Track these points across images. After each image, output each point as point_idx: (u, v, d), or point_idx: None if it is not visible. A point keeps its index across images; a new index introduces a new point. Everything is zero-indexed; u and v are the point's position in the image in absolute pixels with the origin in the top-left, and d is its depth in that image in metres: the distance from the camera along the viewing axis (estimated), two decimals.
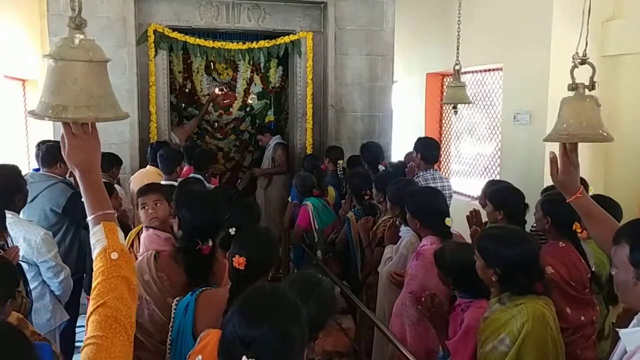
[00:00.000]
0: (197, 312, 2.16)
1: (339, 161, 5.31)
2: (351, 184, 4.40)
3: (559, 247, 2.80)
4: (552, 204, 2.84)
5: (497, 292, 2.30)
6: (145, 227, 2.98)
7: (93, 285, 1.34)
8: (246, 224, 2.49)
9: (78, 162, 1.43)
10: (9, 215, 2.96)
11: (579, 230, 2.81)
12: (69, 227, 3.89)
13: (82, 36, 1.38)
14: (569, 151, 2.03)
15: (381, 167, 4.82)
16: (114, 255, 1.35)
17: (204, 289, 2.26)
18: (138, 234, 3.29)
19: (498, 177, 5.58)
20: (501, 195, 3.29)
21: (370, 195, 4.15)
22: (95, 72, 1.39)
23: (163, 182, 4.25)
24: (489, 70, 6.16)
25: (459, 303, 2.53)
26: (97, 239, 1.39)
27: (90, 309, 1.32)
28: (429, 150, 4.52)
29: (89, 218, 1.42)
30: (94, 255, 1.38)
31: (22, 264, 2.91)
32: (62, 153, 1.42)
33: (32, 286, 3.01)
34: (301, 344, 1.36)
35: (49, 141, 4.04)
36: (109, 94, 1.42)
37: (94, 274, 1.36)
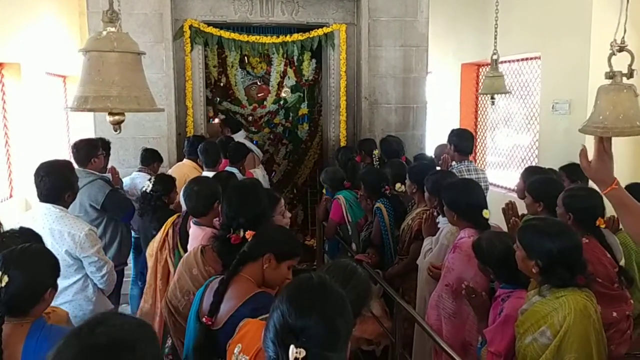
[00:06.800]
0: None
1: (374, 152, 5.27)
2: (366, 180, 4.17)
3: (583, 243, 2.73)
4: (574, 199, 2.79)
5: (537, 284, 2.26)
6: (198, 224, 3.04)
7: None
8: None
9: None
10: (57, 209, 3.08)
11: (603, 226, 2.77)
12: (108, 222, 4.00)
13: (113, 29, 1.38)
14: (604, 140, 1.97)
15: None
16: None
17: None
18: (173, 223, 3.38)
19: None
20: (541, 187, 3.23)
21: (389, 189, 4.02)
22: (119, 64, 1.37)
23: (205, 174, 4.30)
24: (527, 59, 6.02)
25: (499, 293, 2.51)
26: None
27: None
28: (462, 141, 4.45)
29: None
30: None
31: (66, 257, 3.01)
32: None
33: (74, 279, 3.10)
34: (347, 335, 1.38)
35: (80, 140, 4.12)
36: (134, 86, 1.39)
37: None
